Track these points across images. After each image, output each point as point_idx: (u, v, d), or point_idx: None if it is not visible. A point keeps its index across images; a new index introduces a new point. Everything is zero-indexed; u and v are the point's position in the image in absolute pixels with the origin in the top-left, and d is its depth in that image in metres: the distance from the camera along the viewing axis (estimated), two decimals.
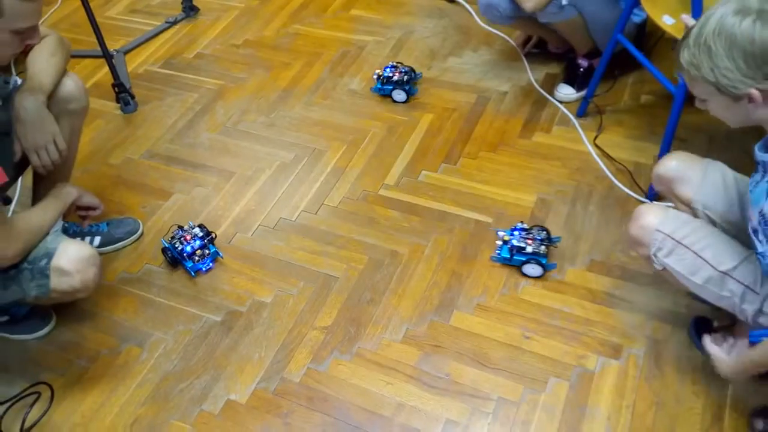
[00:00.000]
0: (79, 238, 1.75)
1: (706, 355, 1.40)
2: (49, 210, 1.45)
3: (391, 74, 2.16)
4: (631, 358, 1.50)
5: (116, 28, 2.58)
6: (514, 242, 1.65)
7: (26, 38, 1.30)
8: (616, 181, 1.87)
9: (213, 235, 1.76)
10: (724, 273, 1.28)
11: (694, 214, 1.39)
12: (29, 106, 1.44)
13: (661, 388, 1.44)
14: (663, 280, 1.40)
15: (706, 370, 1.42)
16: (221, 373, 1.54)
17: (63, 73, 1.54)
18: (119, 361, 1.57)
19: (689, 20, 1.49)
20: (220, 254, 1.77)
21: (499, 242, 1.68)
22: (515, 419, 1.42)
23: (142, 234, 1.85)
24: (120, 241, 1.81)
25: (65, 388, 1.52)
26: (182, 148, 2.11)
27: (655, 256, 1.33)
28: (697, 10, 1.52)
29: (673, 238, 1.30)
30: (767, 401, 1.39)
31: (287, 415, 1.46)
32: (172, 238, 1.75)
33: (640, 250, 1.38)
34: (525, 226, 1.70)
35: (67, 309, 1.66)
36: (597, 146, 1.98)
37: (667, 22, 1.65)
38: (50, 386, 1.51)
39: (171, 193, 1.97)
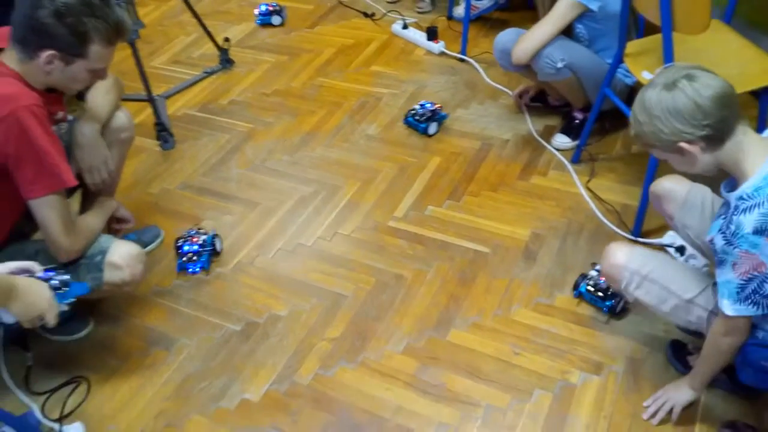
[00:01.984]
0: None
1: (682, 373, 1.56)
2: (99, 216, 1.68)
3: (423, 111, 2.44)
4: (611, 374, 1.64)
5: (159, 76, 2.87)
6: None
7: (97, 76, 1.55)
8: (604, 220, 2.04)
9: (212, 249, 1.98)
10: (689, 301, 1.44)
11: (676, 229, 1.58)
12: (87, 132, 1.69)
13: (638, 401, 1.57)
14: (642, 307, 1.56)
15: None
16: (238, 376, 1.71)
17: (116, 107, 1.80)
18: (147, 361, 1.75)
19: None
20: (206, 267, 1.97)
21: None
22: (501, 424, 1.56)
23: (162, 240, 2.09)
24: (148, 245, 2.04)
25: (99, 383, 1.70)
26: (214, 181, 2.34)
27: (625, 290, 1.50)
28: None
29: (640, 273, 1.47)
30: (734, 416, 1.52)
31: (295, 413, 1.61)
32: (186, 234, 2.00)
33: (613, 285, 1.57)
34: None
35: (103, 315, 1.86)
36: (589, 189, 2.16)
37: (645, 76, 1.87)
38: (87, 380, 1.69)
39: (202, 219, 2.18)
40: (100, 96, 1.76)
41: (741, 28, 2.05)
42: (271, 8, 3.20)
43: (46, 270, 1.45)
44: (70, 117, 1.72)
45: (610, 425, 1.53)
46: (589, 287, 1.78)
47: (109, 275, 1.57)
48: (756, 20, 2.47)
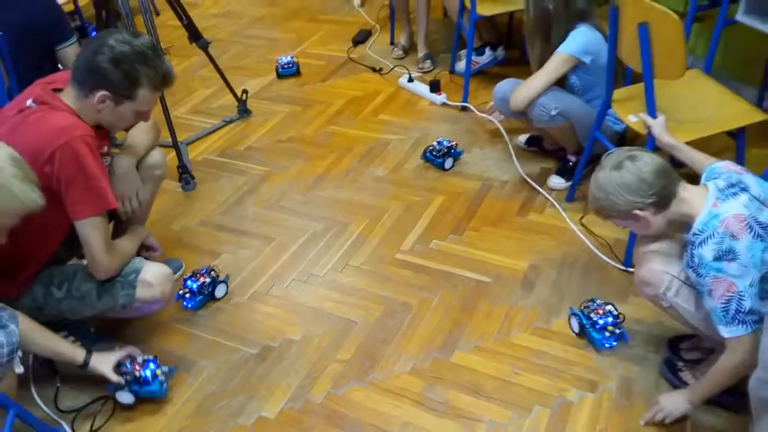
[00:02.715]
0: None
1: (677, 387, 1.67)
2: (132, 240, 1.84)
3: (441, 147, 2.65)
4: (605, 392, 1.74)
5: (182, 124, 3.08)
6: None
7: (141, 118, 1.75)
8: (597, 252, 2.18)
9: (211, 293, 2.09)
10: None
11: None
12: (123, 164, 1.87)
13: (630, 416, 1.67)
14: (634, 330, 1.68)
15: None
16: (254, 395, 1.82)
17: (153, 147, 1.99)
18: (168, 382, 1.86)
19: (646, 117, 1.91)
20: (196, 308, 2.07)
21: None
22: None
23: (183, 271, 2.23)
24: None
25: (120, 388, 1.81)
26: (231, 219, 2.50)
27: (664, 294, 1.58)
28: (651, 111, 1.91)
29: (679, 279, 1.56)
30: (722, 428, 1.61)
31: (309, 429, 1.72)
32: (199, 271, 2.12)
33: (648, 290, 1.62)
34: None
35: (127, 340, 1.98)
36: (583, 225, 2.31)
37: (631, 119, 2.05)
38: (113, 398, 1.80)
39: (220, 254, 2.33)
40: (140, 135, 1.95)
41: (720, 78, 2.24)
42: (288, 61, 3.46)
43: (147, 361, 1.76)
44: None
45: None
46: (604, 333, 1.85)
47: (141, 292, 1.72)
48: (733, 70, 2.68)
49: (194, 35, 2.88)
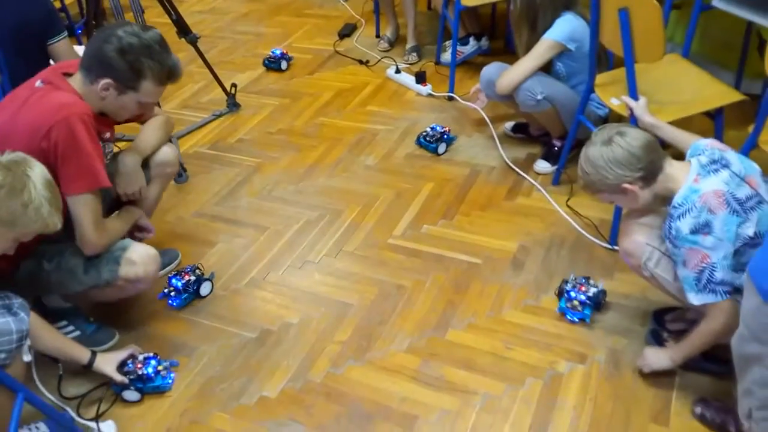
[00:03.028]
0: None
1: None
2: (123, 220, 1.90)
3: (434, 132, 2.73)
4: (594, 363, 1.81)
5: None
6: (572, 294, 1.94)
7: (144, 109, 1.80)
8: (584, 233, 2.25)
9: (195, 292, 2.10)
10: None
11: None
12: (128, 162, 1.91)
13: (619, 385, 1.75)
14: (616, 303, 1.75)
15: (656, 373, 1.73)
16: (255, 376, 1.86)
17: (163, 143, 2.02)
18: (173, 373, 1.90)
19: (628, 100, 1.97)
20: (181, 306, 2.07)
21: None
22: (498, 408, 1.72)
23: (180, 261, 2.27)
24: (165, 266, 2.21)
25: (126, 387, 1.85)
26: (225, 209, 2.54)
27: (645, 265, 1.66)
28: (632, 93, 1.97)
29: (659, 250, 1.64)
30: (706, 393, 1.69)
31: (310, 407, 1.77)
32: (183, 269, 2.14)
33: (630, 260, 1.71)
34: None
35: (127, 328, 2.02)
36: (569, 207, 2.38)
37: (614, 102, 2.12)
38: (113, 388, 1.83)
39: (215, 243, 2.37)
40: (149, 132, 2.00)
41: (698, 63, 2.32)
42: (277, 55, 3.51)
43: (148, 358, 1.83)
44: (114, 149, 1.95)
45: (595, 406, 1.70)
46: (569, 305, 1.94)
47: (125, 270, 1.76)
48: (711, 55, 2.77)
49: (183, 30, 2.90)
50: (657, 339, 1.82)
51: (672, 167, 1.55)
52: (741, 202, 1.47)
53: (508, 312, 2.00)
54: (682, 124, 1.93)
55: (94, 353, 1.78)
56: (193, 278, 2.12)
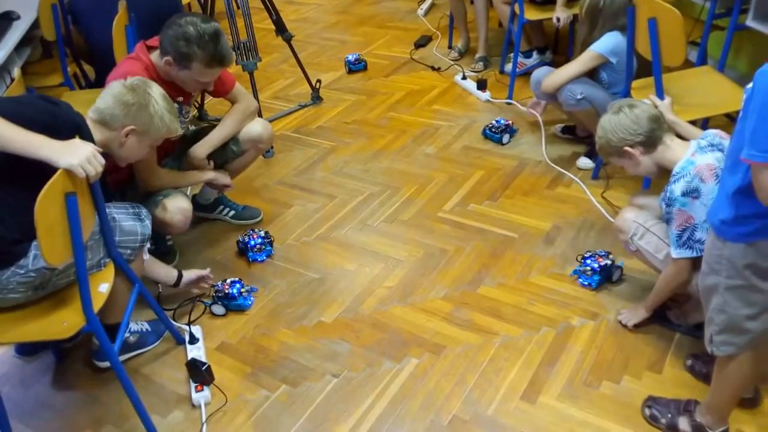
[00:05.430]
0: (219, 207, 2.67)
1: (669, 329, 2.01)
2: (186, 178, 2.33)
3: (499, 125, 3.09)
4: (604, 321, 2.09)
5: (264, 106, 3.57)
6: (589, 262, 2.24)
7: (204, 86, 2.24)
8: (612, 220, 2.52)
9: (271, 239, 2.51)
10: None
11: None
12: (196, 154, 2.34)
13: (623, 339, 2.02)
14: (631, 276, 2.02)
15: (657, 331, 1.99)
16: (315, 306, 2.26)
17: (235, 133, 2.42)
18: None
19: (654, 98, 2.26)
20: (272, 253, 2.49)
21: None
22: (514, 347, 2.03)
23: (261, 219, 2.69)
24: (245, 220, 2.66)
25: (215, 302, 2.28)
26: (302, 180, 2.97)
27: (631, 239, 1.96)
28: (659, 92, 2.26)
29: (644, 227, 1.94)
30: (696, 350, 1.92)
31: (357, 332, 2.14)
32: (245, 234, 2.52)
33: (620, 236, 2.01)
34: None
35: (223, 261, 2.46)
36: (604, 197, 2.65)
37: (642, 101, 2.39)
38: (202, 302, 2.27)
39: (291, 205, 2.80)
40: (222, 127, 2.40)
41: (731, 76, 2.56)
42: (355, 58, 3.96)
43: (234, 282, 2.25)
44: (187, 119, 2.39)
45: (599, 353, 1.98)
46: (582, 269, 2.24)
47: (159, 212, 2.17)
48: (743, 70, 2.98)
49: (280, 29, 3.39)
50: (660, 307, 2.07)
51: (673, 142, 1.83)
52: None
53: (535, 276, 2.30)
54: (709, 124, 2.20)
55: (180, 275, 2.20)
56: (261, 232, 2.50)
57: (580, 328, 2.07)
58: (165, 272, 2.19)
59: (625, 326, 2.03)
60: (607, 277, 2.21)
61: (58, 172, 1.49)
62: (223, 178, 2.43)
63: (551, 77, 2.74)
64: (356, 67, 3.97)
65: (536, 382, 1.91)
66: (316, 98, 3.64)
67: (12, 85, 2.12)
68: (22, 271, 1.63)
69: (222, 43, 2.15)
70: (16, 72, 2.16)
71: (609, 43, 2.65)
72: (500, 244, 2.47)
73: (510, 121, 3.11)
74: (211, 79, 2.24)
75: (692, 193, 1.71)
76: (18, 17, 2.87)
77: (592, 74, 2.75)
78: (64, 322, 1.67)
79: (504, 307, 2.18)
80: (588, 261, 2.22)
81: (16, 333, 1.68)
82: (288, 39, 3.42)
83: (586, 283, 2.21)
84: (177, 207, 2.20)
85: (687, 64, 2.81)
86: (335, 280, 2.36)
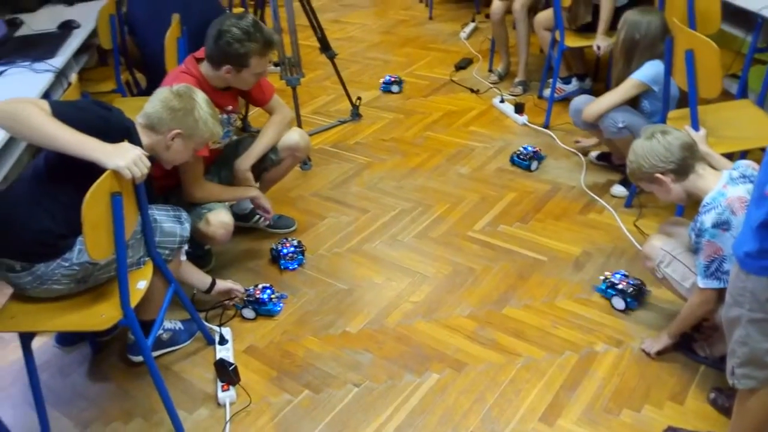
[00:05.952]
0: (255, 216, 2.73)
1: (693, 360, 2.00)
2: (227, 190, 2.41)
3: (527, 152, 3.11)
4: (628, 348, 2.09)
5: (305, 120, 3.67)
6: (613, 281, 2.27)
7: (259, 77, 2.32)
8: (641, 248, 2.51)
9: (303, 248, 2.58)
10: None
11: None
12: (241, 167, 2.43)
13: (647, 368, 2.01)
14: (658, 306, 2.02)
15: (681, 362, 1.98)
16: (342, 316, 2.31)
17: (274, 143, 2.50)
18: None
19: (690, 129, 2.26)
20: (304, 262, 2.56)
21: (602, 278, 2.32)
22: (536, 369, 2.04)
23: (295, 229, 2.76)
24: (280, 229, 2.74)
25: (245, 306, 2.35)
26: (337, 193, 3.04)
27: (658, 266, 1.96)
28: (694, 124, 2.26)
29: (671, 254, 1.95)
30: (722, 385, 1.90)
31: (381, 343, 2.18)
32: (278, 242, 2.60)
33: (647, 263, 2.01)
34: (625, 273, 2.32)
35: (256, 269, 2.54)
36: (636, 226, 2.65)
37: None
38: (234, 306, 2.35)
39: (325, 217, 2.87)
40: (262, 139, 2.48)
41: None
42: (393, 79, 4.03)
43: (265, 287, 2.33)
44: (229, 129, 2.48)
45: (621, 380, 1.97)
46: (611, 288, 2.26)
47: (201, 225, 2.24)
48: None
49: (325, 46, 3.50)
50: (687, 339, 2.05)
51: (705, 171, 1.83)
52: None
53: (561, 300, 2.31)
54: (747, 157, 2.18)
55: (213, 281, 2.29)
56: (294, 242, 2.58)
57: (604, 354, 2.07)
58: (199, 278, 2.28)
59: (648, 354, 2.03)
60: (625, 298, 2.21)
61: (106, 173, 1.59)
62: (265, 201, 2.49)
63: (592, 106, 2.75)
64: (388, 89, 4.05)
65: (556, 405, 1.91)
66: (356, 115, 3.73)
67: (68, 89, 2.24)
68: (67, 264, 1.73)
69: (263, 29, 2.27)
70: (73, 77, 2.29)
71: (650, 71, 2.65)
72: (528, 267, 2.48)
73: (537, 148, 3.13)
74: (266, 67, 2.32)
75: (722, 225, 1.71)
76: (78, 26, 3.03)
77: (633, 103, 2.76)
78: (102, 314, 1.76)
79: (528, 328, 2.20)
80: (612, 280, 2.27)
81: (58, 322, 1.78)
82: (331, 57, 3.53)
83: (604, 296, 2.26)
84: (219, 221, 2.28)
85: (727, 97, 2.81)
86: (363, 292, 2.41)
